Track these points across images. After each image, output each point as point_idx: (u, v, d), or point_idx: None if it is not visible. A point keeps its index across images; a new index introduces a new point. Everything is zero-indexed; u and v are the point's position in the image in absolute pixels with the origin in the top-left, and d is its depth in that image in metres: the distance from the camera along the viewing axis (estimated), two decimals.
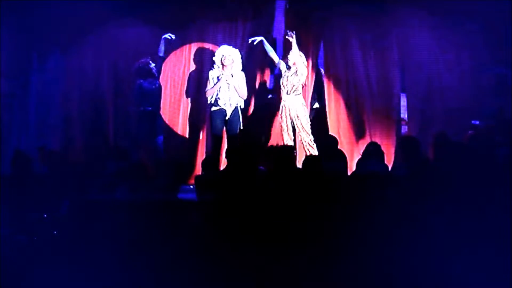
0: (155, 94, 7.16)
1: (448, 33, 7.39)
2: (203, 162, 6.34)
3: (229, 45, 7.20)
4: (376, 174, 4.83)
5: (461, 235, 3.82)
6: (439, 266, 3.70)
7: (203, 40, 7.65)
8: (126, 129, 7.46)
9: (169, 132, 7.58)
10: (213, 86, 6.76)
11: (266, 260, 3.78)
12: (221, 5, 7.61)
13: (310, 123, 6.82)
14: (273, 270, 3.75)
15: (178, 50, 7.63)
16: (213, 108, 6.78)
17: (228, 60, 6.76)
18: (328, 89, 7.51)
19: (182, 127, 7.61)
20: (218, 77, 6.77)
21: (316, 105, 7.52)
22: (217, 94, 6.74)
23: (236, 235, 3.97)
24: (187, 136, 7.58)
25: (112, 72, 7.67)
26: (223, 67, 6.78)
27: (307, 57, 7.27)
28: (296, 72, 6.81)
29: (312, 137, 6.76)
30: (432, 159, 5.58)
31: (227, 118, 6.77)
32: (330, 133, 7.18)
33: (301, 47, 7.30)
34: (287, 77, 6.83)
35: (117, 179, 5.26)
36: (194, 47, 7.65)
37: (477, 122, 6.95)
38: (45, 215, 4.61)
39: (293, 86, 6.80)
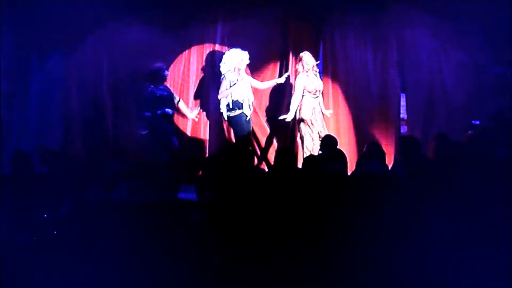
0: (171, 98, 7.12)
1: (448, 33, 7.40)
2: (203, 162, 6.36)
3: (233, 44, 7.26)
4: (376, 174, 4.83)
5: (461, 235, 3.82)
6: (439, 265, 3.70)
7: (203, 40, 7.65)
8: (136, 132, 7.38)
9: (178, 132, 7.58)
10: (228, 88, 6.78)
11: (266, 260, 3.78)
12: (221, 5, 7.62)
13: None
14: (273, 270, 3.75)
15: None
16: (237, 112, 6.79)
17: (244, 63, 6.82)
18: (328, 89, 7.51)
19: (189, 128, 7.62)
20: (235, 80, 6.81)
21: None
22: (238, 98, 6.77)
23: (236, 235, 3.97)
24: (193, 136, 7.59)
25: (112, 72, 7.67)
26: (239, 71, 6.81)
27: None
28: (316, 74, 6.89)
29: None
30: (432, 159, 5.58)
31: (247, 119, 6.86)
32: (330, 133, 7.18)
33: (300, 47, 7.33)
34: (312, 80, 6.87)
35: (117, 179, 5.26)
36: (193, 49, 7.65)
37: (477, 122, 6.96)
38: (45, 215, 4.61)
39: (315, 88, 6.85)
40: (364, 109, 7.42)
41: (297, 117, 6.89)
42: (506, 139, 5.77)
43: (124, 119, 7.63)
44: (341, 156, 5.68)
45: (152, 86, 6.95)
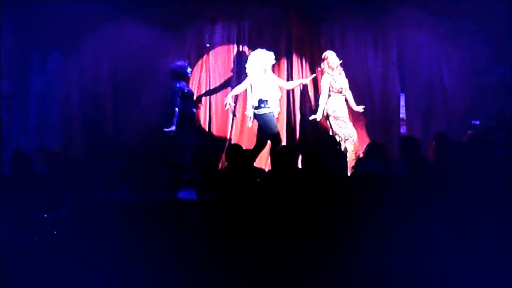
0: (192, 96, 7.09)
1: (448, 33, 7.40)
2: (203, 162, 6.35)
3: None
4: (376, 174, 4.83)
5: (461, 235, 3.82)
6: (438, 265, 3.70)
7: (202, 40, 7.64)
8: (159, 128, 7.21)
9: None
10: (249, 88, 6.79)
11: (266, 259, 3.78)
12: (220, 5, 7.61)
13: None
14: (273, 269, 3.75)
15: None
16: (264, 110, 6.72)
17: (269, 63, 6.84)
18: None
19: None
20: (260, 80, 6.79)
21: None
22: (264, 96, 6.73)
23: (236, 235, 3.97)
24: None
25: (112, 71, 7.67)
26: (265, 70, 6.82)
27: (305, 57, 7.34)
28: (340, 73, 6.88)
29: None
30: (432, 159, 5.59)
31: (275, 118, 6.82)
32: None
33: (299, 47, 7.32)
34: (336, 79, 6.88)
35: (117, 179, 5.27)
36: (193, 49, 7.65)
37: (477, 122, 6.96)
38: (45, 215, 4.61)
39: (341, 87, 6.86)
40: (364, 109, 7.42)
41: (329, 115, 6.87)
42: (506, 139, 5.78)
43: (124, 119, 7.63)
44: (341, 156, 5.69)
45: (180, 83, 6.89)
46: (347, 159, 6.38)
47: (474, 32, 7.30)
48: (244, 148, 6.37)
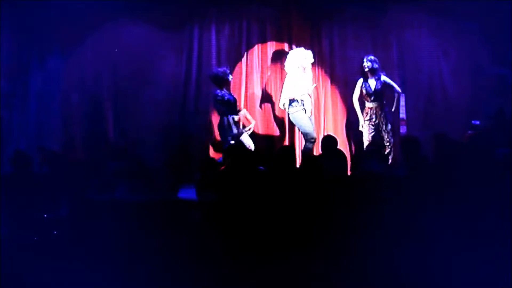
0: (234, 103, 6.90)
1: (448, 33, 7.42)
2: (203, 163, 6.33)
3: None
4: (376, 174, 4.83)
5: (461, 235, 3.82)
6: (439, 266, 3.70)
7: (202, 40, 7.64)
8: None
9: None
10: (291, 86, 6.81)
11: (265, 260, 3.78)
12: (220, 5, 7.61)
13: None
14: (273, 270, 3.75)
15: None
16: (296, 108, 6.78)
17: (308, 62, 6.89)
18: (326, 89, 7.52)
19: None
20: (298, 78, 6.82)
21: None
22: (299, 95, 6.76)
23: (236, 235, 3.97)
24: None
25: (112, 72, 7.67)
26: (304, 69, 6.86)
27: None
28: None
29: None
30: (432, 159, 5.58)
31: (309, 116, 6.87)
32: (330, 133, 7.18)
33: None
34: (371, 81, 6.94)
35: (117, 179, 5.26)
36: (194, 49, 7.64)
37: (477, 122, 6.96)
38: (45, 215, 4.60)
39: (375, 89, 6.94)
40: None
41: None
42: (506, 139, 5.77)
43: (124, 119, 7.63)
44: (341, 156, 5.69)
45: (221, 91, 6.78)
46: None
47: (474, 32, 7.31)
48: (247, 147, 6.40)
